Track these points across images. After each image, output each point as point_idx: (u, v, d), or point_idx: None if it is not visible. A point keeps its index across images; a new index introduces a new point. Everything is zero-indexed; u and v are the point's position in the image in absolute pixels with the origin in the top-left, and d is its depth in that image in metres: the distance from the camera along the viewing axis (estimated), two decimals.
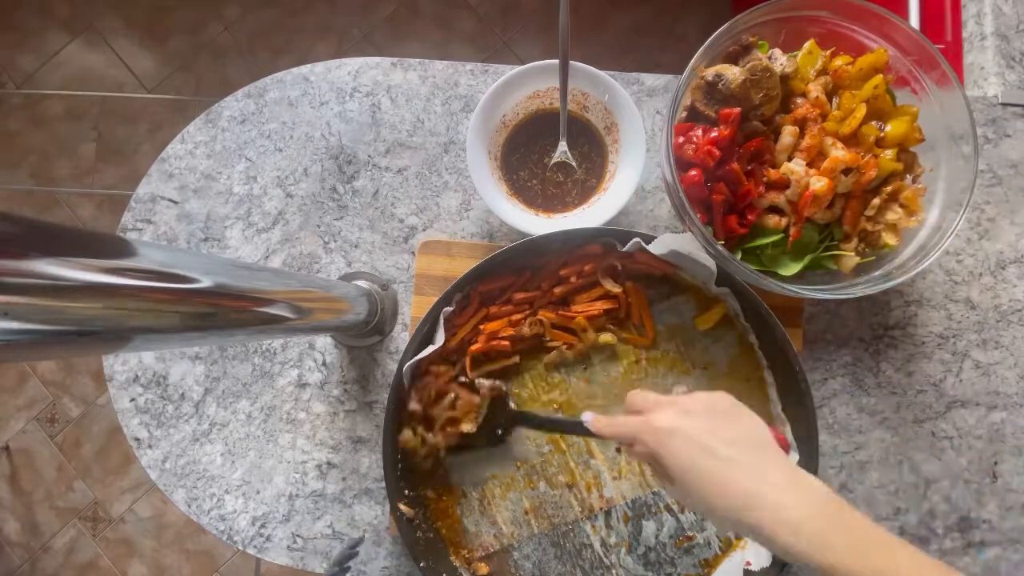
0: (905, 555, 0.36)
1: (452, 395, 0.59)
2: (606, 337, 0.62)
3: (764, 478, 0.40)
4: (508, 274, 0.62)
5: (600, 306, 0.62)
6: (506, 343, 0.61)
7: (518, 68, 0.63)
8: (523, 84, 0.64)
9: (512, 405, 0.61)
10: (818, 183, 0.56)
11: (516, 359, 0.63)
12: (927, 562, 0.36)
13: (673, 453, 0.42)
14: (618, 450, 0.62)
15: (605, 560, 0.61)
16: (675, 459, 0.42)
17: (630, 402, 0.48)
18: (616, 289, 0.61)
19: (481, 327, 0.61)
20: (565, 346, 0.62)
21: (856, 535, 0.37)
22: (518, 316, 0.62)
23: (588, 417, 0.50)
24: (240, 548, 0.67)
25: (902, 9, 0.81)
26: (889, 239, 0.58)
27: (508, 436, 0.61)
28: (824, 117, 0.58)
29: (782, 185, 0.58)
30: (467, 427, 0.59)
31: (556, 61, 0.61)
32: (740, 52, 0.59)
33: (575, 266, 0.61)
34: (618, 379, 0.63)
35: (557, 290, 0.61)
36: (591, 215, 0.64)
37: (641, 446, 0.44)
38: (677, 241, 0.57)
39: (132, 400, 0.69)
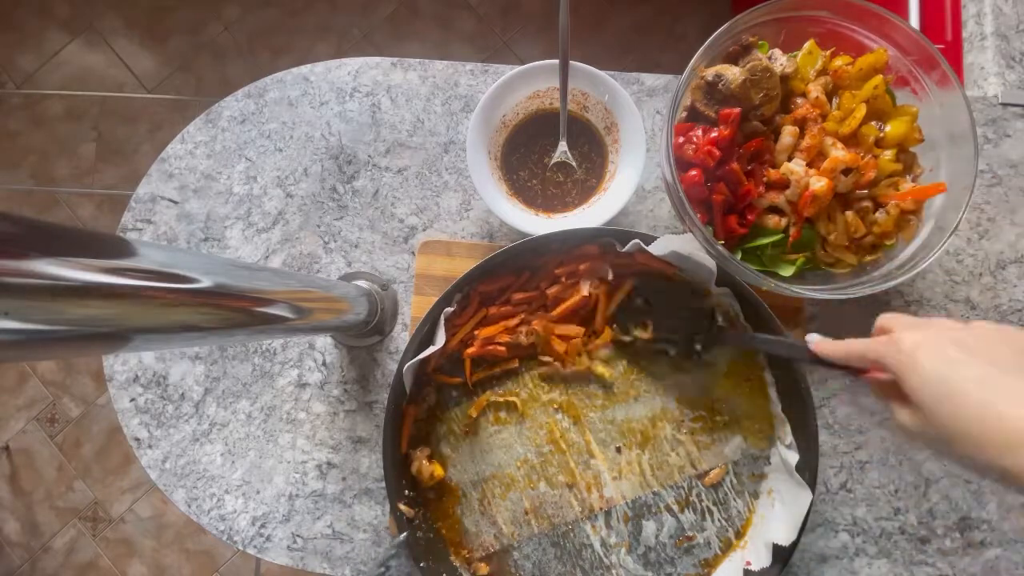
0: None
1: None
2: (601, 369, 0.62)
3: None
4: (508, 274, 0.62)
5: (577, 331, 0.61)
6: (502, 348, 0.61)
7: (518, 68, 0.63)
8: (523, 84, 0.64)
9: (720, 321, 0.58)
10: (818, 183, 0.56)
11: (515, 363, 0.63)
12: None
13: (919, 365, 0.34)
14: (618, 450, 0.62)
15: (605, 560, 0.61)
16: (920, 375, 0.34)
17: (879, 325, 0.41)
18: (586, 292, 0.61)
19: (476, 332, 0.61)
20: (559, 363, 0.62)
21: None
22: (515, 322, 0.61)
23: (813, 338, 0.45)
24: (240, 548, 0.67)
25: (902, 9, 0.81)
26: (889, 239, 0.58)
27: (706, 354, 0.60)
28: (824, 117, 0.58)
29: (782, 185, 0.58)
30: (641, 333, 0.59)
31: (556, 61, 0.61)
32: (740, 52, 0.59)
33: (570, 265, 0.61)
34: (618, 379, 0.63)
35: (551, 290, 0.61)
36: (591, 215, 0.64)
37: (881, 371, 0.37)
38: (677, 242, 0.56)
39: (132, 400, 0.69)
